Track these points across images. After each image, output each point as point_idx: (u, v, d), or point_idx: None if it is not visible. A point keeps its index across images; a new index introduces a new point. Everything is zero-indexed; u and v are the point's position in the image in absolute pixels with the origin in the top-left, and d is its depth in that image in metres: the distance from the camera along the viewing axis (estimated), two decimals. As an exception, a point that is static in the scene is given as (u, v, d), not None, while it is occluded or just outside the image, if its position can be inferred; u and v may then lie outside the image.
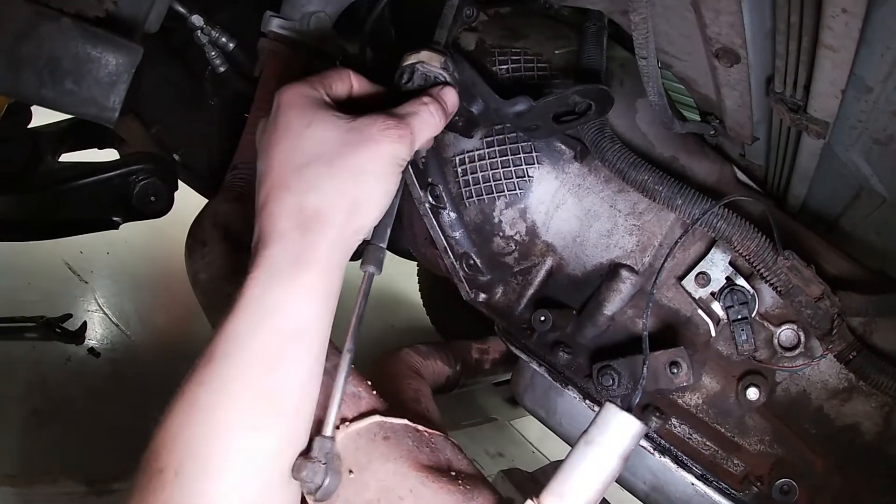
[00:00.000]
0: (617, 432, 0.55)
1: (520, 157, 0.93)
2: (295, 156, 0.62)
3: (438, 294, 2.36)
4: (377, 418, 0.70)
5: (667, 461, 0.89)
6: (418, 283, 2.47)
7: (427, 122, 0.69)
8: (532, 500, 0.55)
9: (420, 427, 0.72)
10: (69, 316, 1.71)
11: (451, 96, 0.75)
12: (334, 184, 0.61)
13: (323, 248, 0.61)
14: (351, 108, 0.68)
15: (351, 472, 0.67)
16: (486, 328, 1.81)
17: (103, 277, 2.00)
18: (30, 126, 1.43)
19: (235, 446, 0.58)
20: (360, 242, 0.66)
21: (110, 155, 1.49)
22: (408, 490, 0.64)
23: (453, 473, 0.68)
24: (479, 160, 0.94)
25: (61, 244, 1.97)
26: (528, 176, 0.93)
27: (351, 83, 0.72)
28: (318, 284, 0.61)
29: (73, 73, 0.75)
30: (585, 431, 0.56)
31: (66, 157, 1.51)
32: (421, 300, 2.47)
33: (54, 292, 1.85)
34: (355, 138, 0.62)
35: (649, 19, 0.61)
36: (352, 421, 0.70)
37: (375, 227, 0.71)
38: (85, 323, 1.71)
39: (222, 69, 1.22)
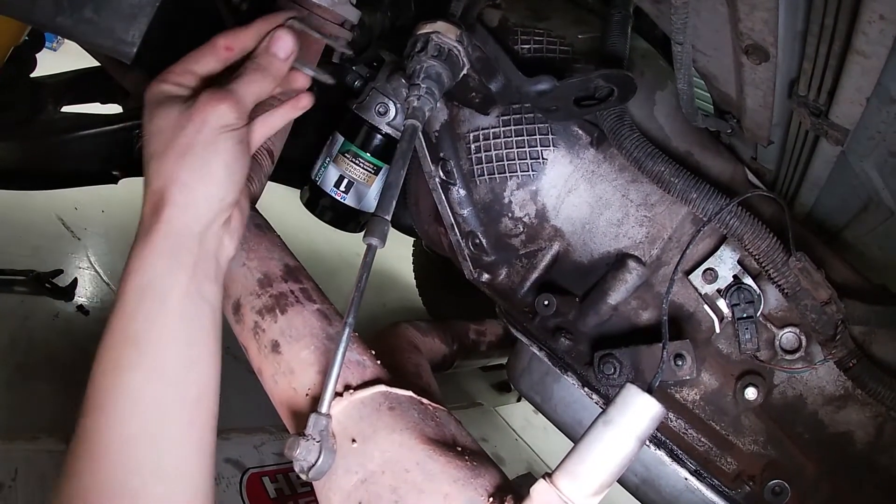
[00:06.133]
0: (636, 414, 0.54)
1: (535, 139, 0.92)
2: (147, 149, 0.68)
3: (432, 275, 2.36)
4: (382, 388, 0.69)
5: (662, 454, 0.89)
6: (413, 263, 2.46)
7: (251, 79, 0.70)
8: (545, 479, 0.54)
9: (424, 400, 0.71)
10: (60, 272, 1.69)
11: (281, 43, 0.74)
12: (168, 166, 0.66)
13: (164, 217, 0.65)
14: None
15: (354, 441, 0.65)
16: (478, 313, 1.82)
17: (97, 235, 1.98)
18: (33, 75, 1.40)
19: (107, 384, 0.63)
20: (218, 209, 0.68)
21: (113, 110, 1.46)
22: (414, 463, 0.63)
23: (459, 449, 0.67)
24: (494, 138, 0.93)
25: (56, 199, 1.94)
26: (543, 158, 0.92)
27: (223, 50, 0.73)
28: (162, 245, 0.65)
29: (94, 1, 0.72)
30: (604, 412, 0.55)
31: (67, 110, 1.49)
32: (414, 281, 2.47)
33: (46, 247, 1.82)
34: (183, 120, 0.66)
35: (690, 2, 0.60)
36: (356, 389, 0.69)
37: (380, 199, 0.69)
38: (75, 280, 1.68)
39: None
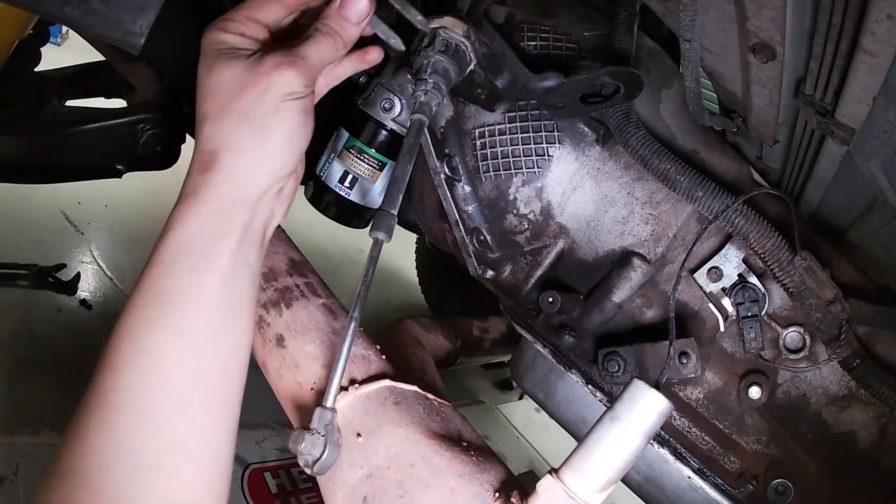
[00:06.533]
0: (644, 410, 0.54)
1: (541, 136, 0.92)
2: (201, 107, 0.64)
3: (435, 272, 2.36)
4: (387, 382, 0.69)
5: (665, 452, 0.89)
6: (416, 260, 2.46)
7: (321, 42, 0.66)
8: (552, 475, 0.54)
9: (430, 395, 0.71)
10: (63, 266, 1.69)
11: (354, 6, 0.68)
12: (223, 130, 0.62)
13: (214, 180, 0.62)
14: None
15: (359, 435, 0.65)
16: (481, 310, 1.82)
17: (100, 230, 1.98)
18: (37, 69, 1.40)
19: (124, 344, 0.60)
20: (274, 179, 0.65)
21: (117, 105, 1.46)
22: (420, 457, 0.63)
23: (465, 444, 0.66)
24: (500, 135, 0.93)
25: (59, 194, 1.94)
26: (548, 155, 0.92)
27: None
28: (208, 208, 0.62)
29: None
30: (611, 408, 0.55)
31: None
32: (417, 278, 2.47)
33: (49, 242, 1.82)
34: (246, 81, 0.62)
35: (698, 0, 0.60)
36: (361, 383, 0.69)
37: (386, 193, 0.68)
38: (78, 274, 1.68)
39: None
